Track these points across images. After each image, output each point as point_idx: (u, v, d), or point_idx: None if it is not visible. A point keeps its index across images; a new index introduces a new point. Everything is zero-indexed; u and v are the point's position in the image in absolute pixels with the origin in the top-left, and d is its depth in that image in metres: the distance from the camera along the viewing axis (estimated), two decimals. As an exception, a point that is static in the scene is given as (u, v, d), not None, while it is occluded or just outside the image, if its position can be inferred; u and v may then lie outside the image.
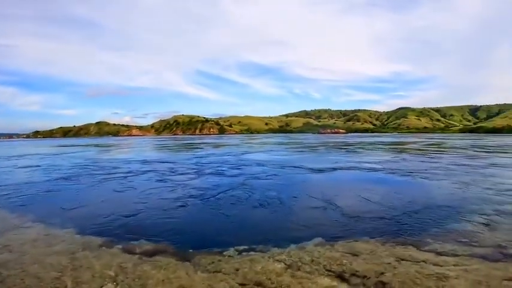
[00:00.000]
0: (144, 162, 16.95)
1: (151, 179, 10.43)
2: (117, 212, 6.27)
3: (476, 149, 24.61)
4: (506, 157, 17.33)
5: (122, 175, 11.45)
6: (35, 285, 3.24)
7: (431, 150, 23.73)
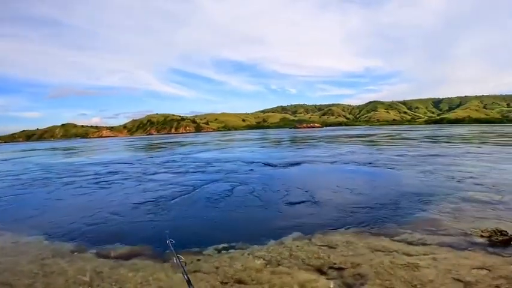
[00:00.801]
0: (106, 164, 16.21)
1: (116, 181, 9.99)
2: (86, 216, 6.00)
3: (425, 140, 26.37)
4: (449, 147, 18.68)
5: (86, 178, 10.86)
6: None
7: (383, 142, 25.11)
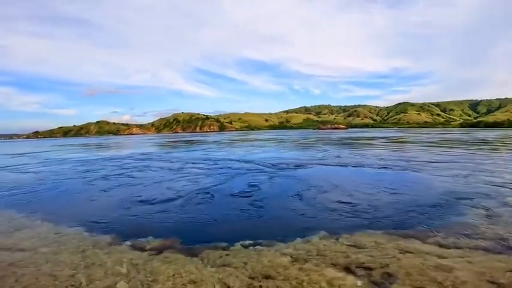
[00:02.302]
0: (142, 159, 17.00)
1: (150, 175, 10.49)
2: (123, 208, 6.36)
3: (435, 143, 24.63)
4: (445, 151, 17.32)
5: (119, 172, 11.51)
6: (51, 284, 3.29)
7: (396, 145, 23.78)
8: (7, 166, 16.03)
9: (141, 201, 6.96)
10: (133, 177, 10.37)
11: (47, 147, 41.11)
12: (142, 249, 4.21)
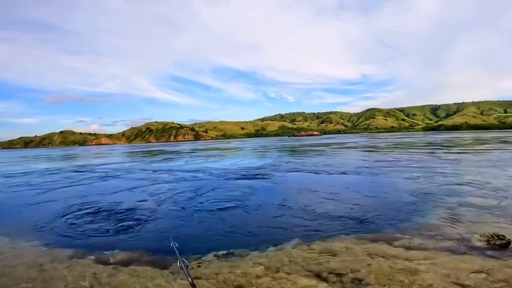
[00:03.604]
0: (106, 169, 16.17)
1: (112, 185, 9.97)
2: (84, 221, 5.98)
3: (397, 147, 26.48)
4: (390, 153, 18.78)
5: (83, 182, 10.83)
6: None
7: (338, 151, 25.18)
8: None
9: (101, 213, 6.54)
10: (95, 187, 9.80)
11: (5, 158, 37.74)
12: (107, 263, 3.95)
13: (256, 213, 6.27)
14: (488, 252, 3.79)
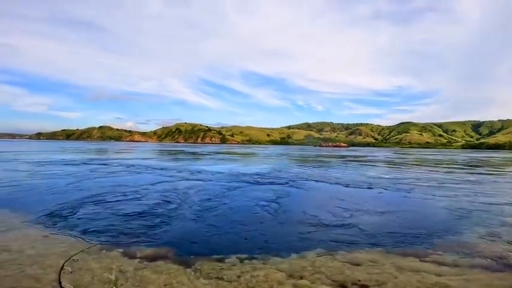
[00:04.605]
0: (145, 167, 16.97)
1: (147, 183, 10.42)
2: (116, 214, 6.26)
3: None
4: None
5: (123, 178, 11.45)
6: (33, 286, 3.20)
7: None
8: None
9: (133, 207, 6.85)
10: (128, 185, 10.29)
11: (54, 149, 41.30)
12: (133, 257, 4.08)
13: (279, 219, 6.22)
14: (525, 271, 3.54)
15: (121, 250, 4.31)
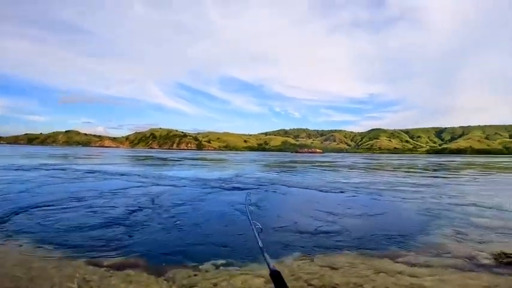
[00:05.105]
0: (104, 172, 16.10)
1: (110, 190, 9.87)
2: (79, 222, 5.86)
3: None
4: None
5: (80, 183, 10.74)
6: None
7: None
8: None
9: (96, 216, 6.41)
10: (94, 190, 9.69)
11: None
12: (99, 265, 3.79)
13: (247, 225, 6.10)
14: (496, 270, 3.75)
15: (84, 259, 3.99)
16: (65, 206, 7.31)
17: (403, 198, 9.47)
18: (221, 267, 3.87)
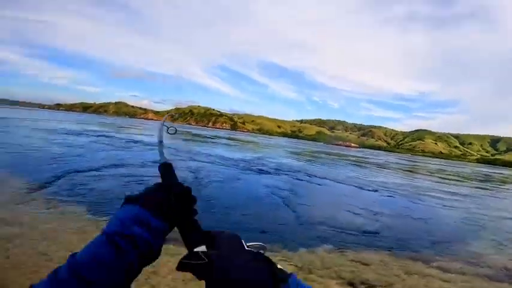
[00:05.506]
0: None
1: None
2: (122, 190, 6.25)
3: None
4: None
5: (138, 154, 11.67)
6: (43, 264, 2.94)
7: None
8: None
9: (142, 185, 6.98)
10: (139, 158, 10.50)
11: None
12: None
13: (289, 213, 6.30)
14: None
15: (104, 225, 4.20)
16: (112, 173, 7.96)
17: (444, 206, 8.98)
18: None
